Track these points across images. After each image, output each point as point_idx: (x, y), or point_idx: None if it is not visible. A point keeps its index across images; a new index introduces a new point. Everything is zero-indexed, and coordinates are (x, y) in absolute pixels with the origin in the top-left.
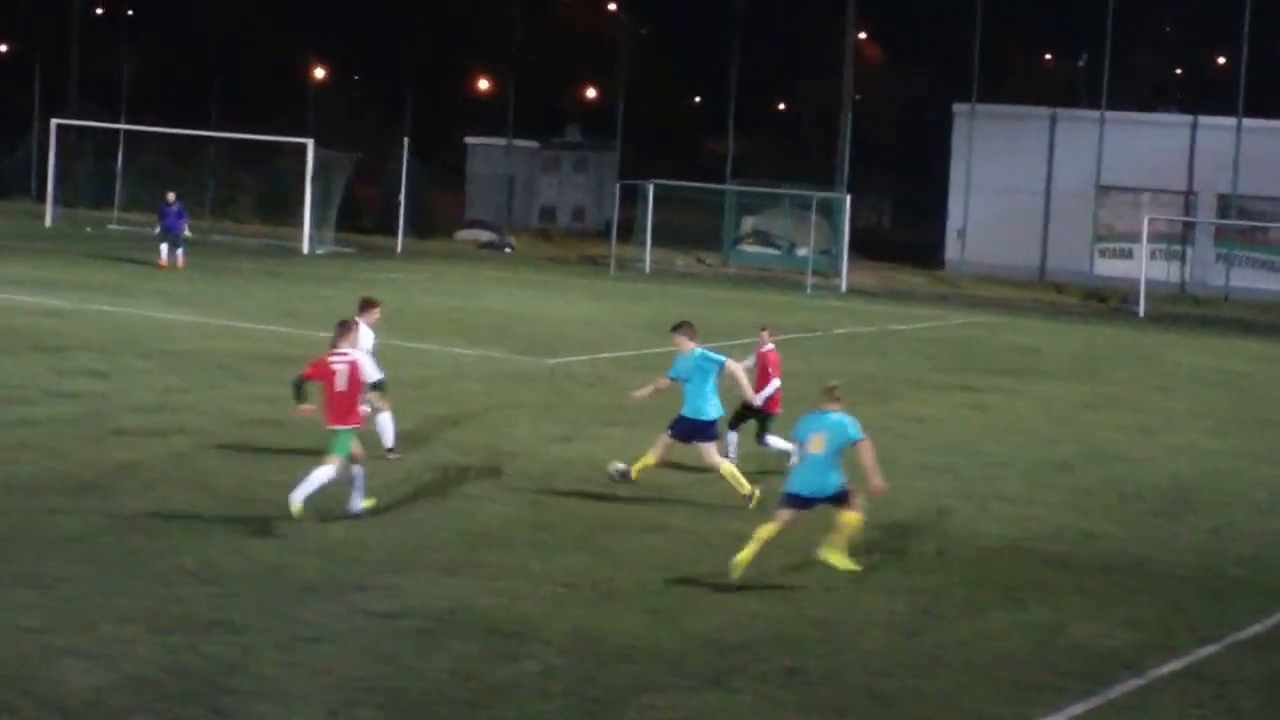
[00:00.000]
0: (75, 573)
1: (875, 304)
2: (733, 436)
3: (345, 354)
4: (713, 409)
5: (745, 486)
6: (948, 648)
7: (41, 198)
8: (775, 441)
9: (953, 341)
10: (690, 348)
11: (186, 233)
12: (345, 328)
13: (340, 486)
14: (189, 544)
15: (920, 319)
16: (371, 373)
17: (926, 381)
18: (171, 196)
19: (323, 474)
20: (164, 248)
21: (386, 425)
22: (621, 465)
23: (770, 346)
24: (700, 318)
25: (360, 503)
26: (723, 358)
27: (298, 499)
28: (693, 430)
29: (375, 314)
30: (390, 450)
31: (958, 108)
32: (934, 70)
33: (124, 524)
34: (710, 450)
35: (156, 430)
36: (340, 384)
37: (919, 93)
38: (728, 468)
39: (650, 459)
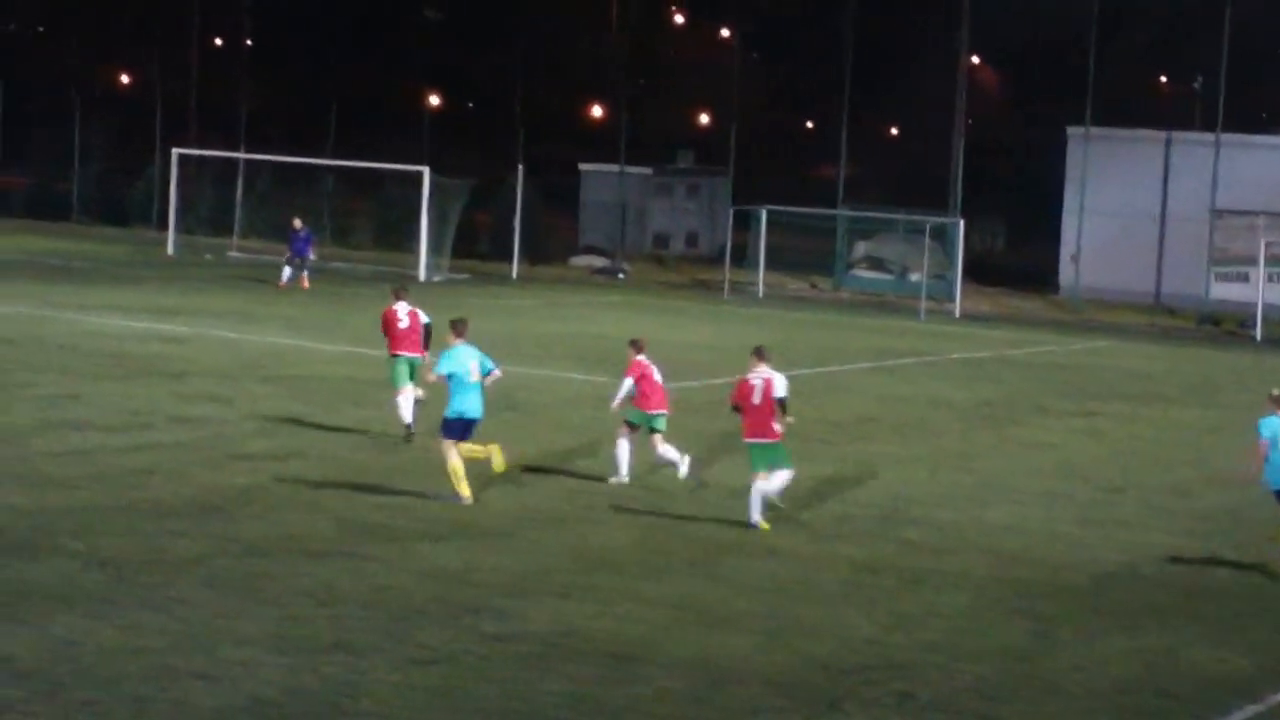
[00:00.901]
0: (196, 595)
1: (990, 329)
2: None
3: (763, 373)
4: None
5: (466, 490)
6: (1062, 673)
7: (163, 226)
8: (666, 451)
9: (1069, 367)
10: (458, 343)
11: (312, 256)
12: (760, 354)
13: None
14: (308, 567)
15: (1035, 344)
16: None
17: (1043, 407)
18: (298, 223)
19: (765, 487)
20: (287, 270)
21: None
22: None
23: (639, 358)
24: (813, 342)
25: (756, 515)
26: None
27: (755, 516)
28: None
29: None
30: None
31: (1072, 131)
32: (1048, 93)
33: (244, 547)
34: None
35: (276, 455)
36: (756, 399)
37: (1033, 116)
38: (457, 465)
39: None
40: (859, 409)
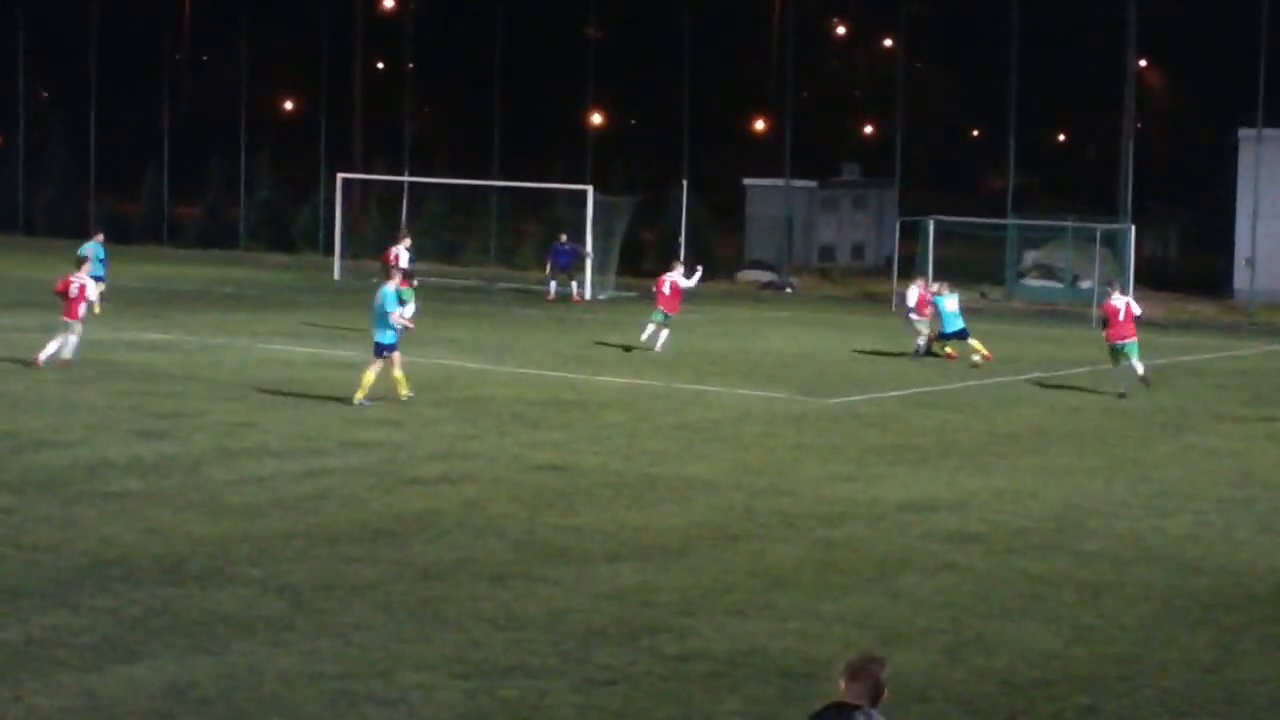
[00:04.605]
0: (373, 620)
1: (1164, 335)
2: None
3: (1122, 298)
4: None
5: (358, 395)
6: (1248, 685)
7: (329, 252)
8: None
9: (1246, 372)
10: (391, 286)
11: (589, 259)
12: (1111, 284)
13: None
14: (483, 590)
15: (1211, 350)
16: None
17: (1221, 413)
18: (563, 237)
19: (1135, 369)
20: (553, 285)
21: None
22: None
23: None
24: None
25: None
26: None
27: (1124, 387)
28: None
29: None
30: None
31: (1243, 133)
32: (1218, 95)
33: (419, 571)
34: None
35: (448, 478)
36: (1120, 316)
37: (1203, 119)
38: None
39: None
40: (1033, 419)
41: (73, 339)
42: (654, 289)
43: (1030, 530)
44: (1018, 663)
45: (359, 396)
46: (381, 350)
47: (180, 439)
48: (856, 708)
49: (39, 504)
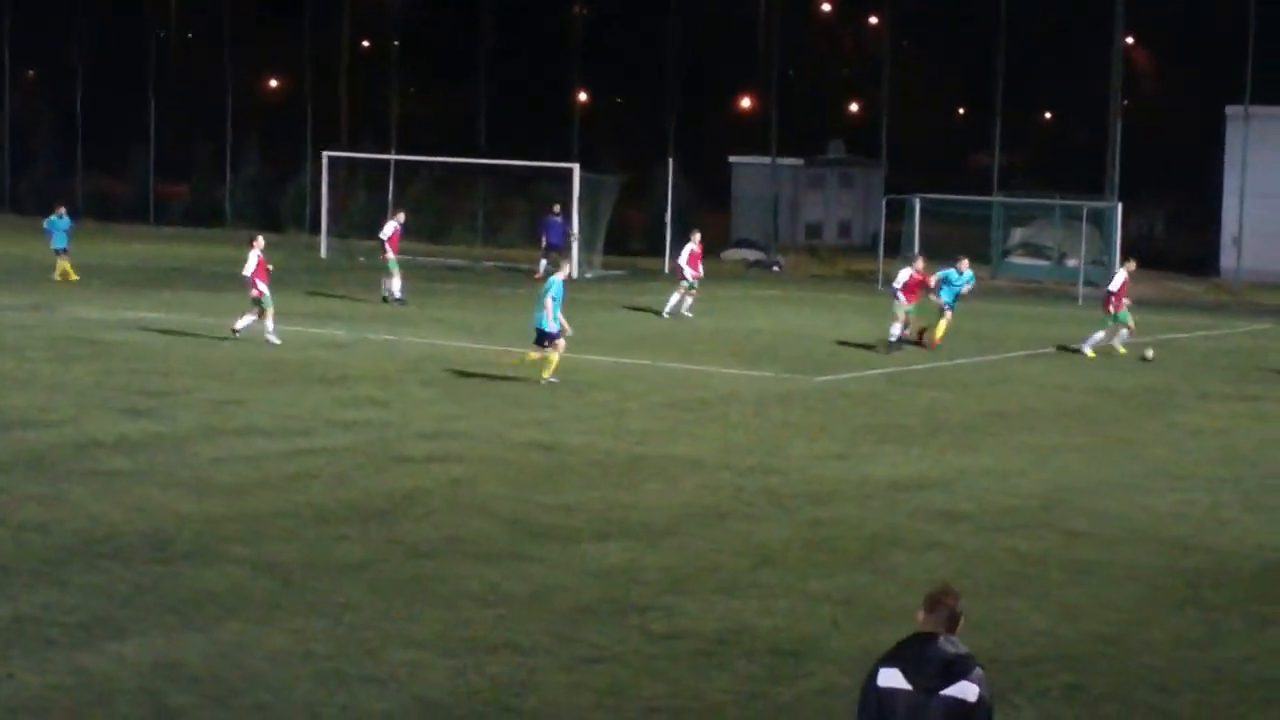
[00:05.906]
0: (362, 599)
1: (1150, 314)
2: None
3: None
4: (545, 321)
5: (545, 372)
6: (1235, 663)
7: (316, 230)
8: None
9: (1232, 351)
10: (560, 277)
11: (575, 245)
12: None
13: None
14: (472, 568)
15: (1197, 328)
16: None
17: (1206, 392)
18: (556, 209)
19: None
20: (542, 263)
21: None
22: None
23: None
24: (971, 331)
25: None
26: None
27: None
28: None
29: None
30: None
31: (1231, 110)
32: (1205, 73)
33: (408, 550)
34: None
35: (437, 457)
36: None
37: (1190, 96)
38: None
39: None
40: (1020, 398)
41: (255, 319)
42: (684, 263)
43: (1018, 509)
44: (1005, 641)
45: (546, 374)
46: (544, 338)
47: (168, 417)
48: (939, 634)
49: (27, 482)
